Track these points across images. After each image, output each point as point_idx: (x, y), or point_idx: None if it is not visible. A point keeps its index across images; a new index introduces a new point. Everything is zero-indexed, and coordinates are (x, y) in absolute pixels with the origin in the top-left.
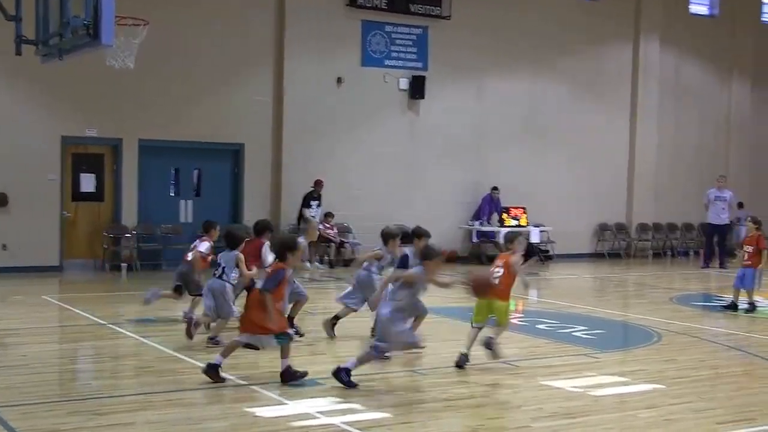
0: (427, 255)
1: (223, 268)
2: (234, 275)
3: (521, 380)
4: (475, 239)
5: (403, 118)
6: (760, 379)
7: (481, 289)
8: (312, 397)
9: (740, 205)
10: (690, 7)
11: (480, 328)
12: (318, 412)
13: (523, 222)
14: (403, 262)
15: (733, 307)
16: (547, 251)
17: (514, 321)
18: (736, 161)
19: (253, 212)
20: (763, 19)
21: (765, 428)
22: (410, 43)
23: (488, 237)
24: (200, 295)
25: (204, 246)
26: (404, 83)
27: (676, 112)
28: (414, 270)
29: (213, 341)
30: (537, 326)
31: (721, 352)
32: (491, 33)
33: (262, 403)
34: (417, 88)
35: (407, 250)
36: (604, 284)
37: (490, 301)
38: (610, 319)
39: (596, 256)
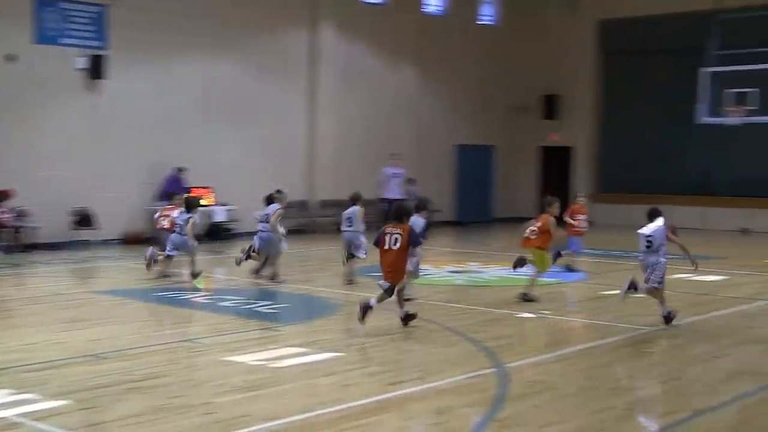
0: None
1: None
2: None
3: (204, 357)
4: None
5: (83, 99)
6: (426, 342)
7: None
8: None
9: (410, 181)
10: None
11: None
12: None
13: (209, 201)
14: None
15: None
16: (232, 229)
17: (199, 300)
18: (406, 140)
19: None
20: (424, 9)
21: (431, 385)
22: (88, 21)
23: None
24: None
25: None
26: (83, 62)
27: (351, 95)
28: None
29: None
30: (220, 303)
31: (395, 319)
32: (173, 12)
33: None
34: (97, 68)
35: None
36: (289, 259)
37: (532, 251)
38: (294, 293)
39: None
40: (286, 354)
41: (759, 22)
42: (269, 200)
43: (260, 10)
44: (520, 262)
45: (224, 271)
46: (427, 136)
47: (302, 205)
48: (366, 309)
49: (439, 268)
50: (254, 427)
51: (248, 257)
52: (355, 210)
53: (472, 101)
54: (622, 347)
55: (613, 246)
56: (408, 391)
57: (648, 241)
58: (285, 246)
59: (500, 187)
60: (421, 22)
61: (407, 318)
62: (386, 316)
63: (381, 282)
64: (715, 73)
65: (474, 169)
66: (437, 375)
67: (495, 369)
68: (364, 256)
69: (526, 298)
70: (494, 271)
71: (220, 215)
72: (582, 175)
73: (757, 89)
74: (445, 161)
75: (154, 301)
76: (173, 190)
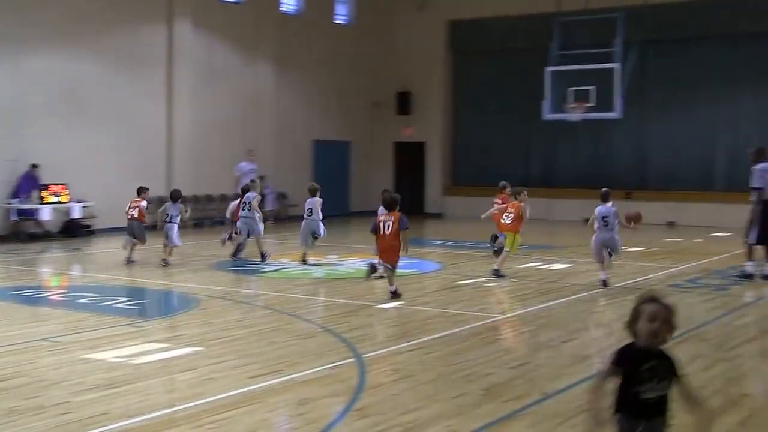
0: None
1: None
2: None
3: (61, 356)
4: (14, 217)
5: None
6: (287, 334)
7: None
8: None
9: (261, 178)
10: None
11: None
12: None
13: (64, 198)
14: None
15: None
16: (89, 226)
17: (56, 297)
18: (264, 136)
19: None
20: (282, 9)
21: (292, 377)
22: None
23: (29, 215)
24: None
25: None
26: None
27: (209, 91)
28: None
29: None
30: (78, 301)
31: (255, 312)
32: (27, 5)
33: None
34: None
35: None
36: (148, 256)
37: (507, 234)
38: (153, 288)
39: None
40: (147, 350)
41: (595, 24)
42: (245, 190)
43: (115, 4)
44: (493, 238)
45: (81, 268)
46: (285, 132)
47: (161, 200)
48: (372, 269)
49: (297, 262)
50: (112, 426)
51: (230, 238)
52: (315, 201)
53: (330, 98)
54: (476, 335)
55: (466, 237)
56: (269, 383)
57: (605, 220)
58: (262, 227)
59: (356, 181)
60: (278, 20)
61: (395, 294)
62: (246, 308)
63: (379, 263)
64: (557, 72)
65: (331, 164)
66: (298, 367)
67: (354, 359)
68: (323, 235)
69: (499, 274)
70: (352, 263)
71: (76, 212)
72: (435, 169)
73: (594, 87)
74: (303, 157)
75: (9, 299)
76: (27, 187)
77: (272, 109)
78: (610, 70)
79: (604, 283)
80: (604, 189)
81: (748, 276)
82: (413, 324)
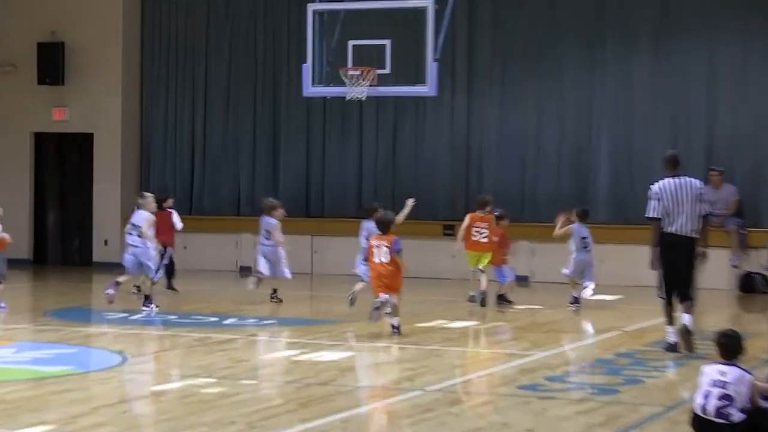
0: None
1: None
2: None
3: None
4: None
5: None
6: None
7: None
8: None
9: None
10: None
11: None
12: None
13: None
14: None
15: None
16: None
17: None
18: None
19: None
20: None
21: None
22: None
23: None
24: None
25: None
26: None
27: None
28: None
29: None
30: None
31: None
32: None
33: None
34: None
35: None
36: None
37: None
38: None
39: None
40: None
41: None
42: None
43: None
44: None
45: None
46: None
47: None
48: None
49: None
50: None
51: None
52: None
53: None
54: None
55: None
56: None
57: (584, 241)
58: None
59: None
60: None
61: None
62: None
63: (377, 301)
64: (325, 14)
65: None
66: None
67: None
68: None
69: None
70: None
71: None
72: (111, 181)
73: (390, 41)
74: None
75: None
76: None
77: None
78: (421, 11)
79: (577, 300)
80: (583, 208)
81: (672, 347)
82: None
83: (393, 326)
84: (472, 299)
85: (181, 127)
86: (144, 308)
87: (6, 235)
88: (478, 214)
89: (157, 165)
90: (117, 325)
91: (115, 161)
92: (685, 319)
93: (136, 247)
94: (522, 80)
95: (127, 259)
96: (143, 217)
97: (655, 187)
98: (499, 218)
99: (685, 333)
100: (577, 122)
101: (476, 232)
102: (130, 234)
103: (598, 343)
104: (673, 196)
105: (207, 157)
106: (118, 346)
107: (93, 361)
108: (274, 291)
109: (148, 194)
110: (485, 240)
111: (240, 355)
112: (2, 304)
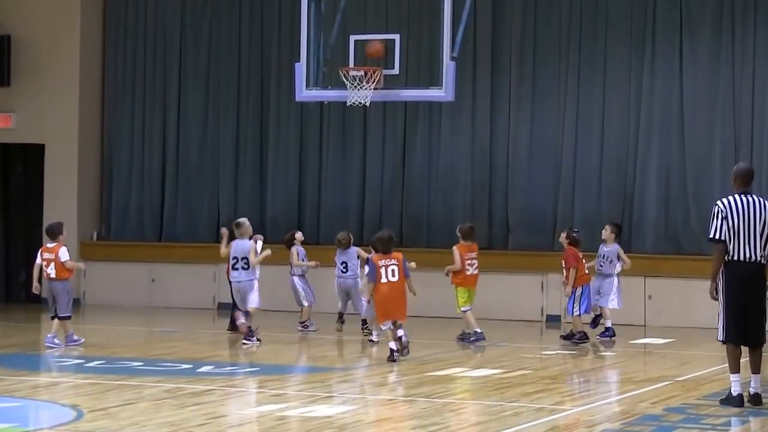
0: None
1: None
2: None
3: None
4: None
5: None
6: None
7: None
8: None
9: None
10: None
11: None
12: None
13: None
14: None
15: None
16: None
17: None
18: None
19: None
20: None
21: None
22: None
23: None
24: None
25: None
26: None
27: None
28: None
29: None
30: None
31: None
32: None
33: None
34: None
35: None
36: None
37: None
38: None
39: None
40: None
41: None
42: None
43: None
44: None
45: None
46: None
47: None
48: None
49: None
50: None
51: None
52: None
53: None
54: None
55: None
56: None
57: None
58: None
59: None
60: None
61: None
62: None
63: (379, 329)
64: (322, 5)
65: None
66: None
67: None
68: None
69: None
70: None
71: None
72: (67, 197)
73: (399, 35)
74: None
75: None
76: None
77: None
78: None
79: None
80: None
81: (735, 401)
82: None
83: (392, 350)
84: (477, 336)
85: (150, 137)
86: (246, 341)
87: None
88: (465, 244)
89: (121, 183)
90: (70, 374)
91: (71, 178)
92: (754, 383)
93: (239, 282)
94: (556, 83)
95: (234, 294)
96: (247, 248)
97: (721, 203)
98: (573, 243)
99: (755, 402)
100: (620, 132)
101: (469, 265)
102: (236, 269)
103: (643, 395)
104: (743, 216)
105: (181, 173)
106: (72, 399)
107: (41, 417)
108: (364, 323)
109: (243, 220)
110: (477, 272)
111: (216, 410)
112: (75, 337)
